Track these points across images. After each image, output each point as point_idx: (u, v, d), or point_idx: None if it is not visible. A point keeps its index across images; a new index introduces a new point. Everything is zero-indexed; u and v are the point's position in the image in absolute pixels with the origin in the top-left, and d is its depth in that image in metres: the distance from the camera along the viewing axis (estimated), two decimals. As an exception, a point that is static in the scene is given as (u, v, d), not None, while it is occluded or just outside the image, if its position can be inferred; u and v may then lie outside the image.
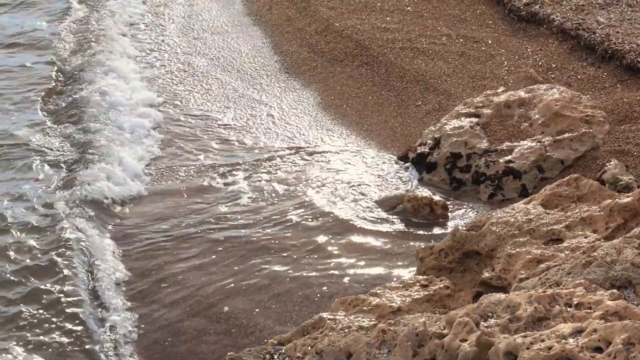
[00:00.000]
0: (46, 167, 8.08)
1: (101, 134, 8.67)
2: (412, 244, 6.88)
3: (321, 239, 7.04)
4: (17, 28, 11.72)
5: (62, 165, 8.14)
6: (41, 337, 5.91)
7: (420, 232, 7.08)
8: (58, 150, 8.40)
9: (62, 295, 6.28)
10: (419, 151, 7.99)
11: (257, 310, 6.21)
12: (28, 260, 6.68)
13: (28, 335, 5.92)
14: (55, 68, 10.38)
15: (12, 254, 6.77)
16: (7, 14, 12.33)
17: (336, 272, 6.60)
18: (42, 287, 6.37)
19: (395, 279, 6.28)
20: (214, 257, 6.84)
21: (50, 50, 10.91)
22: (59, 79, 10.14)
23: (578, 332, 4.04)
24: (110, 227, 7.22)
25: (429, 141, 7.99)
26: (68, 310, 6.14)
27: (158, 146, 8.61)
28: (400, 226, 7.15)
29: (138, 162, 8.21)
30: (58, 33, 11.48)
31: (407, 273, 6.43)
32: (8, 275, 6.50)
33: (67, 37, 11.40)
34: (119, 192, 7.66)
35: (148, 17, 12.15)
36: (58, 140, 8.62)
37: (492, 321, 4.36)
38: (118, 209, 7.50)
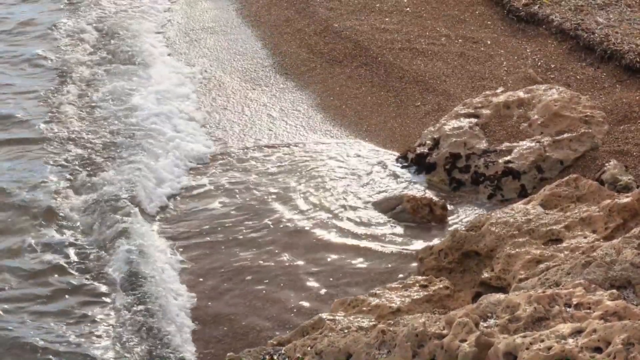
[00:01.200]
0: (63, 167, 8.14)
1: (136, 134, 8.77)
2: (411, 244, 6.87)
3: (318, 239, 7.03)
4: (33, 21, 11.87)
5: (82, 165, 8.19)
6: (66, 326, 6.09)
7: (420, 232, 7.07)
8: (79, 151, 8.45)
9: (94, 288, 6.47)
10: (418, 152, 7.99)
11: (255, 313, 6.22)
12: (60, 258, 6.82)
13: (59, 326, 6.09)
14: (79, 63, 10.49)
15: (57, 248, 6.93)
16: (17, 6, 12.42)
17: (335, 273, 6.60)
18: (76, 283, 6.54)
19: (394, 280, 6.27)
20: (210, 260, 6.86)
21: (74, 45, 11.00)
22: (83, 74, 10.21)
23: (577, 332, 4.04)
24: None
25: (428, 142, 7.98)
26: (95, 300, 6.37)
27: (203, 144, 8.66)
28: (399, 227, 7.15)
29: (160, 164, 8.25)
30: (83, 28, 11.58)
31: (406, 273, 6.42)
32: (52, 270, 6.65)
33: (90, 32, 11.49)
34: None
35: (156, 18, 12.17)
36: (84, 139, 8.69)
37: (491, 321, 4.36)
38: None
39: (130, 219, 7.15)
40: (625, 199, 5.71)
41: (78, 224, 7.25)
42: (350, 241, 6.99)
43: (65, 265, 6.71)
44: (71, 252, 6.89)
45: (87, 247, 6.95)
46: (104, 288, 6.45)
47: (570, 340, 4.00)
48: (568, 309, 4.28)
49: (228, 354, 5.09)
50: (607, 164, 7.13)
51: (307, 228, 7.18)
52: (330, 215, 7.34)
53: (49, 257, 6.80)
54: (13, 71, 10.41)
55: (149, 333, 5.90)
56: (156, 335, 5.88)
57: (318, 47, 10.49)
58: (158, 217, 7.44)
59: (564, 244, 5.57)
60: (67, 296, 6.38)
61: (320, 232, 7.12)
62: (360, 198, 7.58)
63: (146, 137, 8.65)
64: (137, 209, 7.31)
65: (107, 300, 6.33)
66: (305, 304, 6.26)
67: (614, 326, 3.95)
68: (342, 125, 8.93)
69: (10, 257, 6.80)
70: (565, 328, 4.08)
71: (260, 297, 6.38)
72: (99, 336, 5.94)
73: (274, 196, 7.67)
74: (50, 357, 5.74)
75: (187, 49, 11.08)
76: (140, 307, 6.13)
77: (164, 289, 6.32)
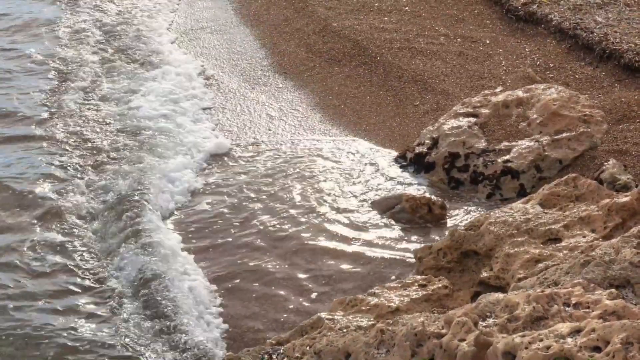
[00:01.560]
0: (67, 166, 8.15)
1: (142, 133, 8.77)
2: (410, 243, 6.87)
3: (318, 238, 7.03)
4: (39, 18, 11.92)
5: (87, 164, 8.20)
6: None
7: (419, 232, 7.07)
8: (84, 150, 8.45)
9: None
10: (417, 151, 7.99)
11: (253, 313, 6.22)
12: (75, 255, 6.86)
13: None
14: (89, 60, 10.53)
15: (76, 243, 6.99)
16: (18, 5, 12.46)
17: (333, 273, 6.60)
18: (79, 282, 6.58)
19: (393, 279, 6.27)
20: (210, 260, 6.86)
21: (77, 44, 11.03)
22: (92, 72, 10.23)
23: (576, 332, 4.04)
24: None
25: (427, 141, 7.98)
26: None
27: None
28: (398, 226, 7.14)
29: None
30: (85, 27, 11.63)
31: (405, 273, 6.42)
32: (61, 271, 6.65)
33: (93, 30, 11.51)
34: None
35: (157, 18, 12.16)
36: (99, 137, 8.71)
37: (490, 321, 4.36)
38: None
39: (140, 219, 7.14)
40: (624, 198, 5.71)
41: (87, 224, 7.23)
42: (348, 241, 6.98)
43: (74, 265, 6.70)
44: (80, 252, 6.87)
45: (97, 247, 6.93)
46: (114, 288, 6.43)
47: (569, 340, 4.00)
48: (567, 309, 4.28)
49: (227, 354, 5.08)
50: (606, 163, 7.13)
51: (304, 228, 7.17)
52: (326, 215, 7.33)
53: (58, 257, 6.77)
54: (15, 70, 10.40)
55: (164, 331, 5.90)
56: (173, 333, 5.88)
57: (317, 46, 10.48)
58: (166, 217, 7.42)
59: (563, 244, 5.57)
60: (77, 296, 6.38)
61: (317, 233, 7.11)
62: (358, 197, 7.58)
63: (153, 137, 8.65)
64: (146, 209, 7.29)
65: (117, 300, 6.31)
66: (304, 304, 6.26)
67: (613, 325, 3.95)
68: (341, 125, 8.92)
69: (17, 257, 6.78)
70: (564, 327, 4.08)
71: (260, 297, 6.38)
72: (111, 335, 5.93)
73: (271, 197, 7.67)
74: (67, 356, 5.75)
75: (187, 48, 11.08)
76: (154, 308, 6.12)
77: (178, 288, 6.31)
